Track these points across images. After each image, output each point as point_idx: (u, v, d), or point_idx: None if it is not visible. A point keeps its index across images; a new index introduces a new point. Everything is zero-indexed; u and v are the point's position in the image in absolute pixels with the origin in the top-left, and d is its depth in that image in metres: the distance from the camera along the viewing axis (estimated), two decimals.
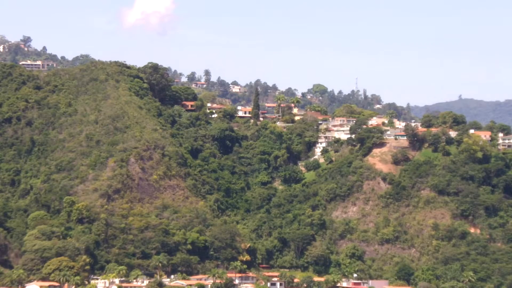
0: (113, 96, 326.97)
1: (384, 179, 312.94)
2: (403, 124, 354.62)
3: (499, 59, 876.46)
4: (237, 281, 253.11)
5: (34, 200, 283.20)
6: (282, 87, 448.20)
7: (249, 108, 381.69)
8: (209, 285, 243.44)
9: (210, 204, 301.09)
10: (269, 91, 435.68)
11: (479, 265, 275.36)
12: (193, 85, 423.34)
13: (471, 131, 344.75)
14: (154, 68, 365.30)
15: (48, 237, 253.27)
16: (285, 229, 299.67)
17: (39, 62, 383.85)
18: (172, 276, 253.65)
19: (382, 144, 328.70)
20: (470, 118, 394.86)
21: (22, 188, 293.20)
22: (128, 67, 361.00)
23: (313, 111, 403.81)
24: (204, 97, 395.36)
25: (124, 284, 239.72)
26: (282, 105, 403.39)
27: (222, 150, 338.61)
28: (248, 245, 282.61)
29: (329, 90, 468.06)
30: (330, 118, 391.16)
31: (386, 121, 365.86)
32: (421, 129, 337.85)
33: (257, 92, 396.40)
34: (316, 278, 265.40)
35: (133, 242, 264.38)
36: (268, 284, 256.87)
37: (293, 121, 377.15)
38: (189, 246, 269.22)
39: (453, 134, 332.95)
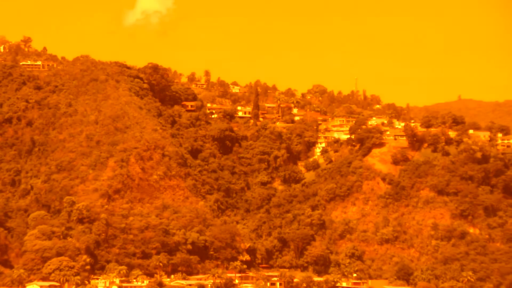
0: (113, 97, 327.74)
1: (383, 179, 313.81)
2: (403, 124, 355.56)
3: (499, 60, 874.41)
4: (237, 281, 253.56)
5: (34, 200, 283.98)
6: (282, 88, 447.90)
7: (249, 109, 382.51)
8: (209, 285, 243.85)
9: (210, 204, 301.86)
10: (269, 91, 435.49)
11: (478, 265, 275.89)
12: (193, 86, 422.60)
13: (471, 131, 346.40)
14: (154, 68, 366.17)
15: (49, 237, 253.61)
16: (284, 229, 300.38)
17: (39, 63, 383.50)
18: (172, 276, 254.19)
19: (381, 144, 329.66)
20: (469, 118, 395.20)
21: (22, 188, 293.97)
22: (128, 68, 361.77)
23: (312, 111, 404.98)
24: (204, 97, 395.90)
25: (124, 284, 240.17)
26: (281, 105, 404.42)
27: (222, 150, 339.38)
28: (248, 245, 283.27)
29: (328, 90, 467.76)
30: (329, 118, 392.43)
31: (385, 121, 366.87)
32: (420, 130, 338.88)
33: (257, 93, 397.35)
34: (316, 278, 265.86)
35: (133, 242, 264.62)
36: (268, 284, 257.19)
37: (292, 121, 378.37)
38: (189, 246, 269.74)
39: (452, 134, 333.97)
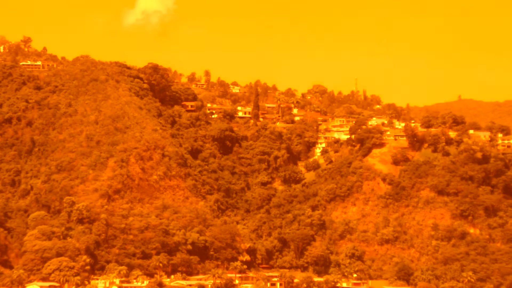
0: (113, 97, 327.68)
1: (383, 180, 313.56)
2: (403, 124, 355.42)
3: (499, 59, 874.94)
4: (237, 281, 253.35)
5: (34, 200, 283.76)
6: (282, 88, 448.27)
7: (249, 109, 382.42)
8: (209, 285, 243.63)
9: (210, 204, 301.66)
10: (269, 91, 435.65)
11: (479, 265, 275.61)
12: (193, 86, 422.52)
13: (471, 131, 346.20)
14: (154, 68, 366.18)
15: (48, 237, 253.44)
16: (285, 229, 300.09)
17: (39, 63, 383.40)
18: (172, 276, 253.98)
19: (381, 145, 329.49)
20: (469, 118, 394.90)
21: (22, 188, 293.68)
22: (128, 68, 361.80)
23: (312, 112, 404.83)
24: (204, 97, 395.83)
25: (124, 284, 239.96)
26: (282, 105, 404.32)
27: (222, 150, 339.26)
28: (248, 245, 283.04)
29: (328, 90, 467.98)
30: (329, 119, 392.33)
31: (385, 122, 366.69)
32: (420, 130, 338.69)
33: (257, 93, 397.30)
34: (316, 278, 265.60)
35: (133, 242, 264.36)
36: (268, 284, 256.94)
37: (293, 121, 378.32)
38: (189, 246, 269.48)
39: (452, 134, 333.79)
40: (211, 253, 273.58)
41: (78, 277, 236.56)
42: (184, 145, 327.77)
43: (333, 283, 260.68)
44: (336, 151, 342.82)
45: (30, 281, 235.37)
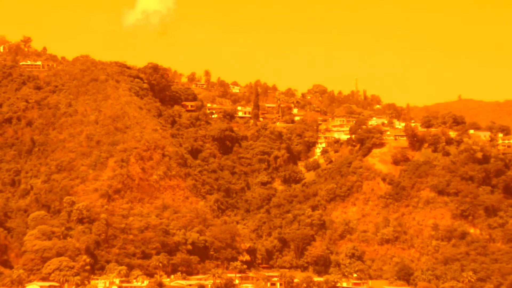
0: (113, 97, 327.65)
1: (383, 179, 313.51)
2: (403, 124, 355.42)
3: (499, 59, 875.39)
4: (237, 281, 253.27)
5: (34, 200, 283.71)
6: (282, 87, 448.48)
7: (249, 109, 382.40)
8: (209, 285, 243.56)
9: (210, 204, 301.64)
10: (269, 91, 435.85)
11: (479, 265, 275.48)
12: (193, 86, 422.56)
13: (471, 131, 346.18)
14: (154, 68, 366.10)
15: (48, 237, 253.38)
16: (285, 229, 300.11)
17: (39, 63, 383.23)
18: (172, 276, 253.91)
19: (381, 145, 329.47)
20: (469, 118, 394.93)
21: (22, 188, 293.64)
22: (128, 68, 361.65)
23: (313, 111, 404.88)
24: (204, 97, 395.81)
25: (124, 284, 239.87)
26: (282, 105, 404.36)
27: (222, 150, 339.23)
28: (248, 245, 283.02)
29: (328, 90, 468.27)
30: (330, 119, 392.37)
31: (385, 122, 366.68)
32: (420, 130, 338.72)
33: (257, 93, 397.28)
34: (316, 278, 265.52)
35: (133, 242, 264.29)
36: (268, 284, 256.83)
37: (293, 121, 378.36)
38: (189, 246, 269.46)
39: (452, 134, 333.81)
40: (211, 253, 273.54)
41: (78, 277, 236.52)
42: (184, 145, 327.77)
43: (333, 283, 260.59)
44: (336, 151, 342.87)
45: (30, 281, 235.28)
